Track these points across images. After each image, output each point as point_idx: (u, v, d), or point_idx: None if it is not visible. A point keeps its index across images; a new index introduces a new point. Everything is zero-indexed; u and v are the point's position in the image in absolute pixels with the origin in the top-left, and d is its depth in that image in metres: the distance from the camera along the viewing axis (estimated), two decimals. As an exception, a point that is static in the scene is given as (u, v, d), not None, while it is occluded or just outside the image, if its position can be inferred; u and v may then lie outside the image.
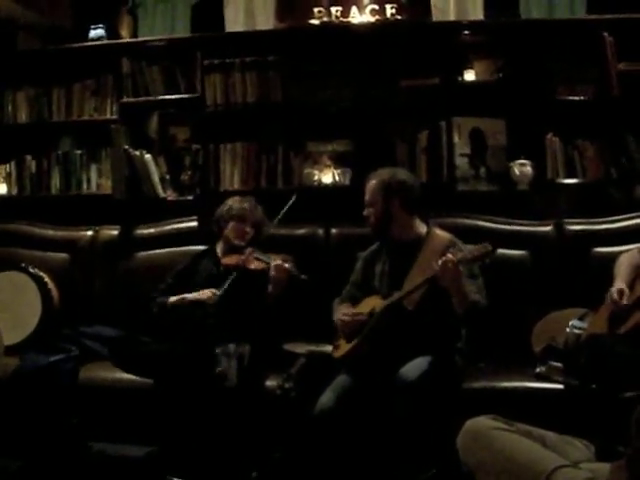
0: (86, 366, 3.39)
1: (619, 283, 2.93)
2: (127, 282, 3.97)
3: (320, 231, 3.88)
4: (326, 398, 2.91)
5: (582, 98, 3.81)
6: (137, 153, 4.09)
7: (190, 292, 3.47)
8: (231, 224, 3.60)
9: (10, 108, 4.35)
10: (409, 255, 3.06)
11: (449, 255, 2.78)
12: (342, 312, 3.14)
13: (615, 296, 2.84)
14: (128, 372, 3.29)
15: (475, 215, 3.74)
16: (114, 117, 4.19)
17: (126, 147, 4.08)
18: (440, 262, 2.77)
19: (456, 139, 3.87)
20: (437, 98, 3.92)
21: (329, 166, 4.02)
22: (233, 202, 3.64)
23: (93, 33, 4.23)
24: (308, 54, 4.08)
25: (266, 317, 3.37)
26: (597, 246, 3.59)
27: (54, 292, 3.85)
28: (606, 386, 2.61)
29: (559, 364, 3.04)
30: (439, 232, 3.15)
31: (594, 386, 2.74)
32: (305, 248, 3.82)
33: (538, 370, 3.06)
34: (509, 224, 3.71)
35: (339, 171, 4.01)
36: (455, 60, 3.98)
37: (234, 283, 3.37)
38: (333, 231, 3.88)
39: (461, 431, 2.08)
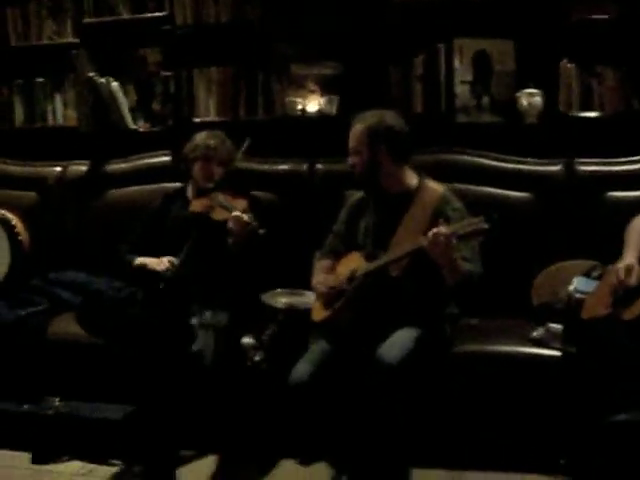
0: (56, 318, 3.21)
1: (629, 257, 2.55)
2: (99, 222, 3.71)
3: (304, 167, 3.55)
4: (301, 369, 2.64)
5: (604, 17, 3.26)
6: (103, 81, 3.72)
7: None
8: (197, 164, 3.28)
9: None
10: (397, 210, 2.75)
11: (441, 228, 2.44)
12: (319, 278, 2.86)
13: (621, 274, 2.46)
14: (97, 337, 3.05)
15: (475, 151, 3.35)
16: (76, 41, 3.78)
17: (91, 74, 3.71)
18: (430, 234, 2.45)
19: (457, 64, 3.40)
20: (436, 16, 3.42)
21: (314, 92, 3.59)
22: (199, 139, 3.31)
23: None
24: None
25: (232, 269, 3.12)
26: (612, 190, 3.20)
27: (23, 236, 3.62)
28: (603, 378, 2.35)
29: (559, 326, 2.73)
30: (432, 185, 2.81)
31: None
32: (287, 185, 3.53)
33: (534, 334, 2.77)
34: (513, 162, 3.32)
35: (325, 99, 3.59)
36: (459, -30, 3.43)
37: (191, 251, 3.10)
38: (318, 167, 3.54)
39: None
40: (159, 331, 2.93)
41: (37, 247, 3.67)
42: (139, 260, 3.23)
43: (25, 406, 3.07)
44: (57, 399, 3.10)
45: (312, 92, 3.60)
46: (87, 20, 3.77)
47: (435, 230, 2.46)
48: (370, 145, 2.77)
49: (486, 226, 2.42)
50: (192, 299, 3.06)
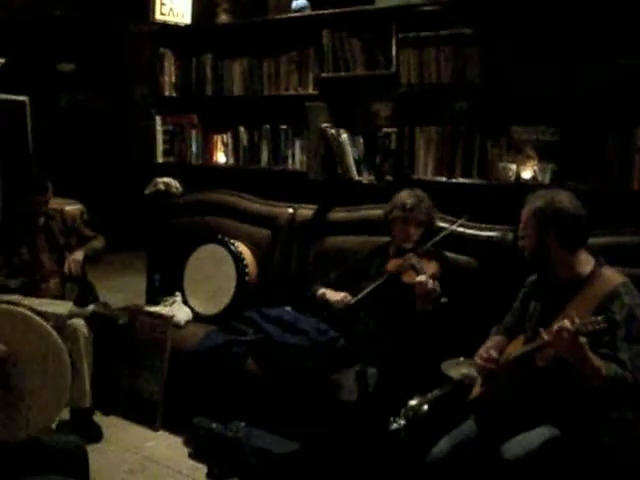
0: (257, 351, 3.46)
1: None
2: (316, 265, 3.89)
3: (509, 236, 3.33)
4: (442, 446, 2.60)
5: None
6: (333, 132, 3.90)
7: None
8: (396, 224, 3.35)
9: (226, 79, 4.45)
10: (563, 297, 2.54)
11: (565, 322, 2.26)
12: (482, 352, 2.72)
13: None
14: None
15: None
16: (315, 93, 4.03)
17: (323, 125, 3.92)
18: (553, 329, 2.29)
19: (687, 138, 2.95)
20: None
21: (531, 157, 3.37)
22: (398, 199, 3.36)
23: (295, 4, 4.07)
24: (507, 26, 3.42)
25: (413, 332, 3.13)
26: None
27: (251, 270, 3.96)
28: None
29: None
30: (608, 274, 2.53)
31: None
32: (490, 253, 3.37)
33: None
34: None
35: (540, 166, 3.35)
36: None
37: (370, 294, 3.24)
38: (524, 239, 3.32)
39: None
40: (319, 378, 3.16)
41: (262, 281, 3.99)
42: (321, 290, 3.46)
43: (214, 424, 3.44)
44: (243, 424, 3.42)
45: (529, 158, 3.39)
46: (325, 74, 3.99)
47: (558, 325, 2.28)
48: (537, 229, 2.60)
49: (604, 325, 2.22)
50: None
